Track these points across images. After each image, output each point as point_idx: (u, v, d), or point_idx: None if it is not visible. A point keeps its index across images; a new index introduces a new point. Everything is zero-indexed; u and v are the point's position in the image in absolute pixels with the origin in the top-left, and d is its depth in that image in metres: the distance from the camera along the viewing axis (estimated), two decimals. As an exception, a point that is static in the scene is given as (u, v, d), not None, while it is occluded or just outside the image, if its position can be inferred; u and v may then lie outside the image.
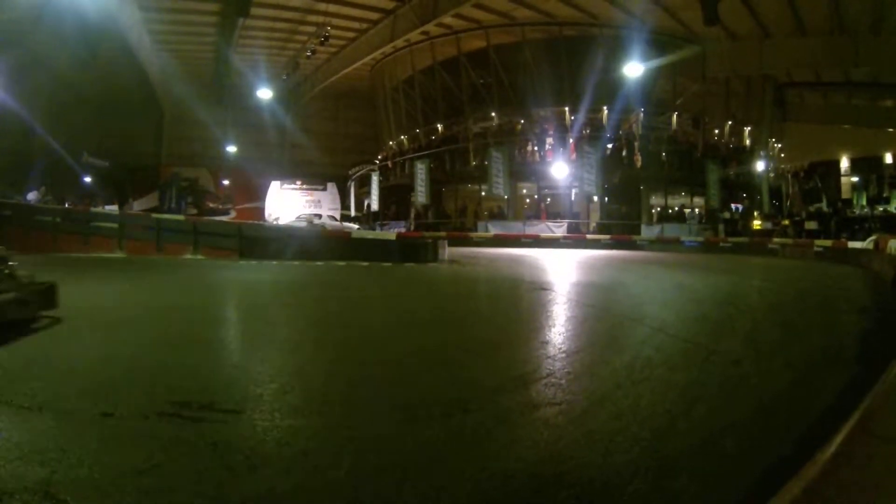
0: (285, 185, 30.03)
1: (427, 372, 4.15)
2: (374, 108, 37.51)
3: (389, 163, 33.87)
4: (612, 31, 25.52)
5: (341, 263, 14.08)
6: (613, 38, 25.34)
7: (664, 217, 28.38)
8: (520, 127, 28.53)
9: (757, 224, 26.82)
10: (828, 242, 19.74)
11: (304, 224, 22.25)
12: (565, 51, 27.05)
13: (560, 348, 4.95)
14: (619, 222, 27.40)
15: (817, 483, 1.70)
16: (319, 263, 14.05)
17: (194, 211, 33.71)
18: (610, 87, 25.27)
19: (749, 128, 30.48)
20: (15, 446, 2.54)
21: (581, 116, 26.37)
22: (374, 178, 33.05)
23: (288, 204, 28.60)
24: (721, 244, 23.83)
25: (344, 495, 2.18)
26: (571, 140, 26.61)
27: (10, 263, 5.67)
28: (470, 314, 7.61)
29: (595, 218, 28.35)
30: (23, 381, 3.58)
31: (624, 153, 27.07)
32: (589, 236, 25.99)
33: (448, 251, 16.34)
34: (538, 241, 25.17)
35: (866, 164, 29.20)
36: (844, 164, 31.28)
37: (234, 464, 2.41)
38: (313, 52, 28.00)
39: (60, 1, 19.85)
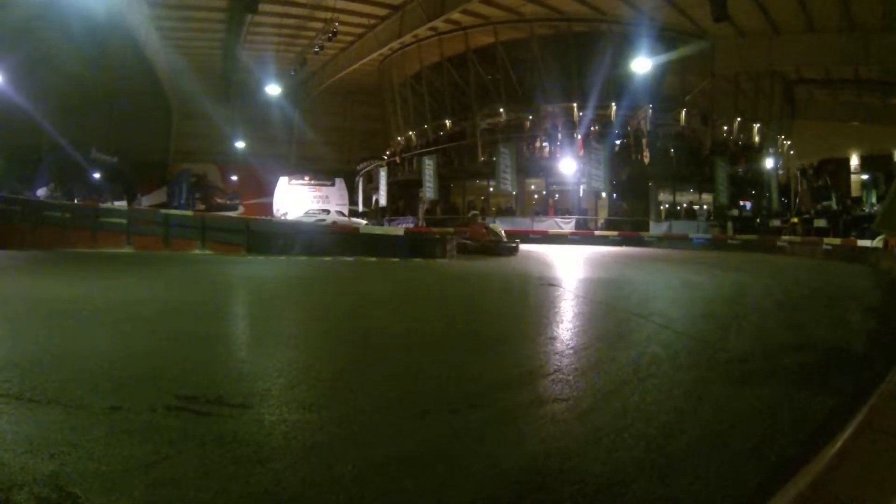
0: (293, 181, 30.07)
1: (435, 367, 4.16)
2: (382, 104, 37.51)
3: (397, 158, 33.85)
4: (620, 27, 25.42)
5: (349, 259, 14.11)
6: (622, 34, 25.24)
7: (672, 214, 28.25)
8: (528, 123, 28.45)
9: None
10: (837, 241, 19.57)
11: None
12: (573, 47, 26.99)
13: (567, 344, 4.96)
14: (627, 219, 27.32)
15: (823, 478, 1.70)
16: (327, 259, 14.09)
17: (203, 206, 33.86)
18: (618, 84, 25.22)
19: (758, 125, 30.27)
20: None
21: (589, 113, 26.29)
22: (382, 174, 33.05)
23: (296, 199, 28.67)
24: (729, 241, 23.76)
25: (350, 489, 2.20)
26: (580, 136, 26.53)
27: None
28: (477, 310, 7.62)
29: (603, 214, 28.28)
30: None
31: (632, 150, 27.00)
32: (597, 233, 26.01)
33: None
34: (546, 238, 25.19)
35: (876, 162, 28.80)
36: (854, 161, 30.94)
37: (241, 457, 2.43)
38: (321, 48, 28.01)
39: (69, -1, 19.98)
